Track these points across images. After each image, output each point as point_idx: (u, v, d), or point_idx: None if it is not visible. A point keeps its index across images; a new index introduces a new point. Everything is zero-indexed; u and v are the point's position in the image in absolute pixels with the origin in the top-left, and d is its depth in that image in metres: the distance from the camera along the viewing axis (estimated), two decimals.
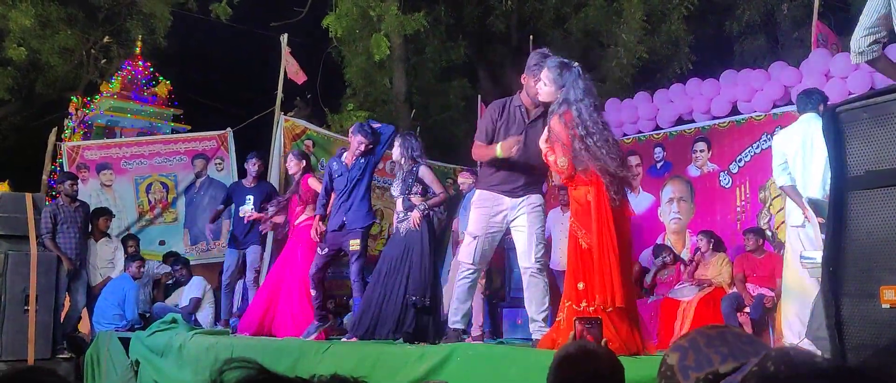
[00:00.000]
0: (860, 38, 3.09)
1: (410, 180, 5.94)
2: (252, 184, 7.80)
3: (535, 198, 5.00)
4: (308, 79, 10.33)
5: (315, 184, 7.05)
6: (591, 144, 4.31)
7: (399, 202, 6.03)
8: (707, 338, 1.34)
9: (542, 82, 4.61)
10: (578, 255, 4.32)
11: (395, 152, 6.07)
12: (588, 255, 4.27)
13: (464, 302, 5.16)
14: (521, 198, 4.96)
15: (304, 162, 7.29)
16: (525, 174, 4.98)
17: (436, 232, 6.30)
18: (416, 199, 5.92)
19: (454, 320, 5.16)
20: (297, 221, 7.14)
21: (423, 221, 5.88)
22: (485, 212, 5.00)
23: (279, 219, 7.59)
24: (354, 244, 6.33)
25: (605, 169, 4.29)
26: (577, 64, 4.63)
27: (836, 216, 2.42)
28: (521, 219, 4.94)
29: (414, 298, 5.68)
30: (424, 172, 5.97)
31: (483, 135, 5.08)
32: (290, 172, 7.39)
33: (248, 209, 7.48)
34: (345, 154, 6.55)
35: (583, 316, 4.03)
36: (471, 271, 5.07)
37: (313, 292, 6.49)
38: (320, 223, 6.46)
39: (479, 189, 5.15)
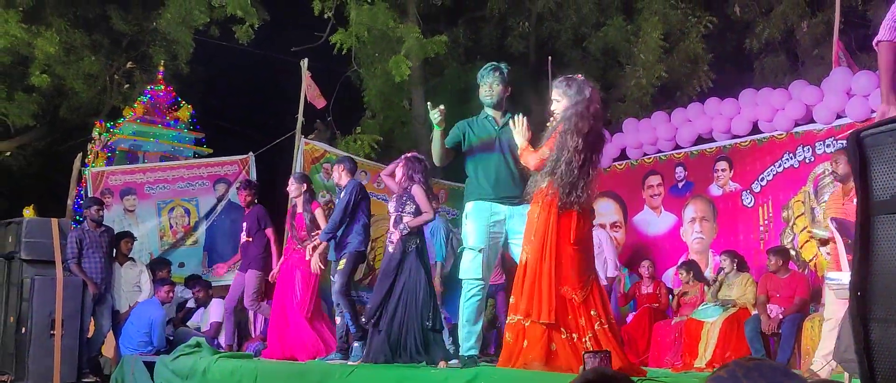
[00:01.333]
0: None
1: (404, 199, 6.00)
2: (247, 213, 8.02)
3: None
4: (327, 102, 10.42)
5: (321, 213, 7.08)
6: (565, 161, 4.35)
7: (391, 221, 6.06)
8: (745, 370, 1.34)
9: (555, 99, 4.62)
10: (517, 269, 4.46)
11: (398, 172, 6.12)
12: (523, 269, 4.39)
13: (474, 323, 4.94)
14: (517, 207, 4.87)
15: (305, 185, 7.21)
16: (515, 181, 4.92)
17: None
18: (406, 219, 5.95)
19: (468, 346, 4.93)
20: (305, 245, 7.07)
21: (402, 242, 5.89)
22: (483, 224, 4.90)
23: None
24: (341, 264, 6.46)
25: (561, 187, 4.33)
26: (581, 76, 4.67)
27: (863, 240, 2.41)
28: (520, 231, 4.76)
29: (428, 323, 5.69)
30: (416, 191, 5.98)
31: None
32: (292, 195, 7.24)
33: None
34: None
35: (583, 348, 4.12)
36: (479, 287, 4.90)
37: (339, 319, 6.50)
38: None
39: (472, 200, 5.03)
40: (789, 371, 1.38)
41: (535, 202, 4.45)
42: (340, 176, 6.78)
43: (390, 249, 6.01)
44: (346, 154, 9.75)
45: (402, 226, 5.92)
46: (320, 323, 7.18)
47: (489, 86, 5.06)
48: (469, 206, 5.02)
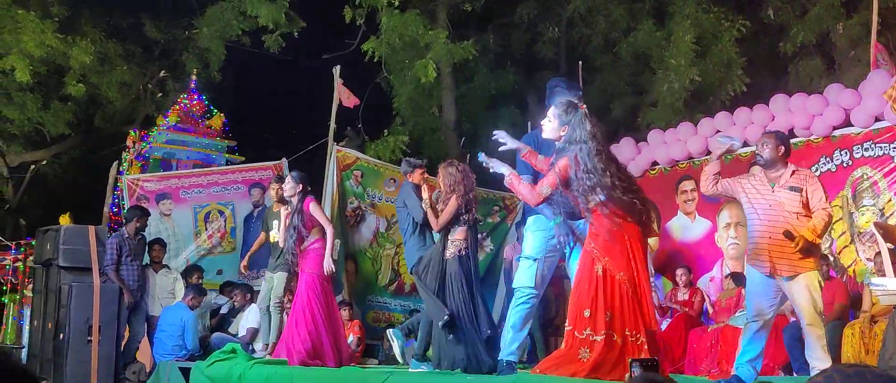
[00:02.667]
0: None
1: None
2: (277, 209, 7.75)
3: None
4: (357, 109, 10.47)
5: (316, 209, 6.91)
6: (598, 181, 4.38)
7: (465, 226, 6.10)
8: (844, 376, 1.29)
9: (548, 118, 4.67)
10: (592, 282, 4.32)
11: (443, 182, 6.12)
12: (604, 283, 4.29)
13: (520, 330, 5.02)
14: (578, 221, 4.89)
15: (301, 185, 7.00)
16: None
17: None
18: (458, 232, 6.04)
19: (509, 351, 5.02)
20: (304, 246, 6.94)
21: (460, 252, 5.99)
22: (543, 235, 4.98)
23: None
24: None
25: (621, 200, 4.39)
26: (583, 105, 4.67)
27: None
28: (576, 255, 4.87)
29: (489, 331, 5.70)
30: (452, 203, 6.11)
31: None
32: (287, 195, 7.07)
33: (276, 234, 7.55)
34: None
35: (634, 357, 4.06)
36: (531, 295, 5.00)
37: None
38: None
39: (535, 213, 5.10)
40: (894, 378, 1.34)
41: (603, 216, 4.43)
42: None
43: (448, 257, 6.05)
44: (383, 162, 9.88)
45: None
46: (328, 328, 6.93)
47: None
48: (531, 218, 5.16)
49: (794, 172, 4.97)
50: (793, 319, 6.95)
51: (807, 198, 4.85)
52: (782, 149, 5.00)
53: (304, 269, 6.85)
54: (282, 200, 7.47)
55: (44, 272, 7.92)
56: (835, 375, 1.32)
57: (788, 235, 4.62)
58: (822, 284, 4.87)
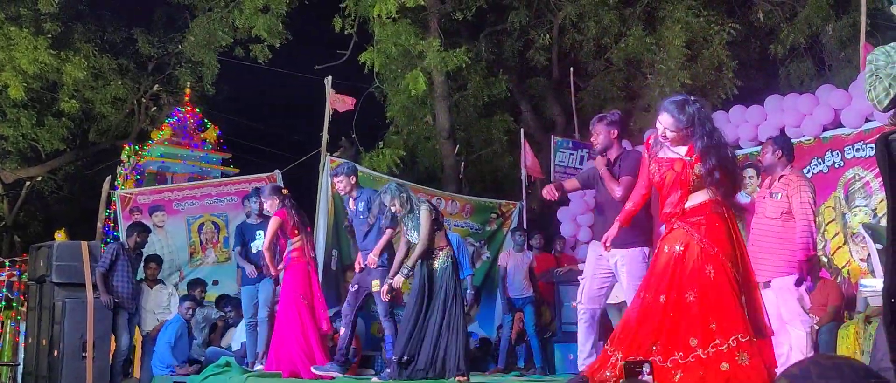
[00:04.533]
0: None
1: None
2: (258, 221, 7.71)
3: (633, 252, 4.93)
4: (351, 119, 10.49)
5: (274, 224, 6.94)
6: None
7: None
8: (821, 369, 1.29)
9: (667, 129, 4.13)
10: (717, 288, 3.88)
11: (395, 207, 6.17)
12: (725, 287, 3.88)
13: (584, 342, 5.12)
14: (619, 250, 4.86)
15: (276, 199, 7.07)
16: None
17: None
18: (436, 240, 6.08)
19: (582, 362, 5.09)
20: (285, 252, 7.06)
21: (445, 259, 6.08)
22: (592, 255, 5.15)
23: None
24: (376, 284, 6.41)
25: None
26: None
27: (894, 246, 2.36)
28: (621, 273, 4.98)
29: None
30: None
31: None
32: (272, 212, 7.09)
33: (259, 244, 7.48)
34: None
35: (637, 359, 3.76)
36: (581, 312, 5.14)
37: (343, 331, 6.52)
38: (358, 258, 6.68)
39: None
40: (872, 371, 1.33)
41: (701, 216, 4.01)
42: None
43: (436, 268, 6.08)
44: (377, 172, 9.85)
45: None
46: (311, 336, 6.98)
47: (595, 135, 5.16)
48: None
49: (781, 176, 5.03)
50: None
51: (790, 203, 4.89)
52: (780, 153, 5.08)
53: (285, 279, 6.97)
54: (261, 215, 7.61)
55: (38, 288, 7.91)
56: (811, 368, 1.32)
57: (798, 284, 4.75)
58: (811, 288, 4.90)
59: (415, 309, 5.98)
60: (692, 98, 4.15)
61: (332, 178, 6.70)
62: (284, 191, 7.34)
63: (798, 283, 4.84)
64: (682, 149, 4.05)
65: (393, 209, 6.09)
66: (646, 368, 3.58)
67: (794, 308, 4.80)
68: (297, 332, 6.75)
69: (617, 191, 4.92)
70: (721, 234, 3.92)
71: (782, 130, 8.28)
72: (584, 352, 5.06)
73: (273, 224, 6.93)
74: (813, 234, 4.93)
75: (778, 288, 4.82)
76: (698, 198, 3.98)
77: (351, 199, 6.79)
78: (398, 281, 6.13)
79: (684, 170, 4.00)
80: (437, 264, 5.98)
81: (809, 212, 4.89)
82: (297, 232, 6.94)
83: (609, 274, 5.06)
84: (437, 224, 6.09)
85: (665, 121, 4.03)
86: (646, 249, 4.90)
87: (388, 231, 6.50)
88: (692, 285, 3.86)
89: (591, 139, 5.25)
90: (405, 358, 5.83)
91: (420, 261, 6.05)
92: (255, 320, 7.50)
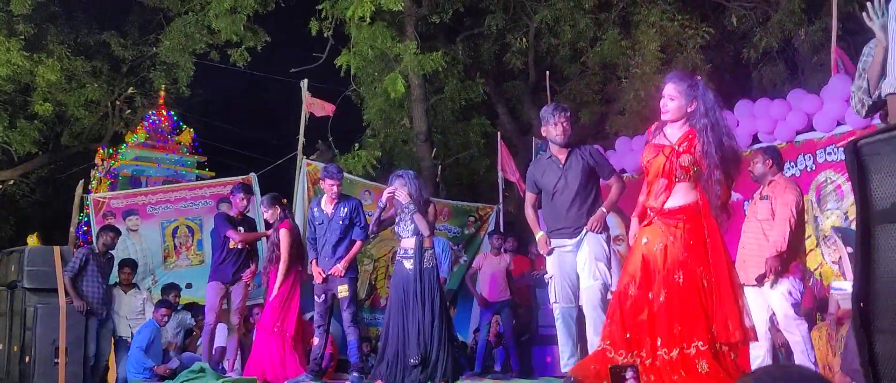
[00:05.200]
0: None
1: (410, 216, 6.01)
2: (239, 217, 7.60)
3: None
4: (327, 122, 10.43)
5: (285, 236, 6.89)
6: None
7: (410, 241, 6.03)
8: (771, 378, 1.32)
9: (669, 98, 4.05)
10: (684, 294, 3.88)
11: (401, 192, 6.05)
12: (693, 295, 3.87)
13: (564, 344, 5.07)
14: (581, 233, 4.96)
15: (278, 208, 7.09)
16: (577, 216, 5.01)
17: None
18: (428, 240, 5.97)
19: (565, 363, 5.06)
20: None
21: (423, 259, 5.98)
22: (556, 255, 5.08)
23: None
24: (343, 290, 6.36)
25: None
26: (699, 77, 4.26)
27: (863, 250, 2.39)
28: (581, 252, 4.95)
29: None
30: (433, 212, 6.11)
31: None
32: (271, 221, 7.12)
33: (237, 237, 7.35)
34: (324, 199, 6.59)
35: (622, 365, 3.74)
36: (556, 312, 5.06)
37: (316, 340, 6.46)
38: (315, 267, 6.50)
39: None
40: (823, 377, 1.36)
41: (681, 219, 3.96)
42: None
43: (408, 265, 6.00)
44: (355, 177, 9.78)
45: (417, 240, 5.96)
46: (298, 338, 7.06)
47: (561, 125, 5.07)
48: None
49: (770, 182, 5.20)
50: None
51: (774, 206, 4.98)
52: (770, 162, 5.28)
53: (270, 287, 6.92)
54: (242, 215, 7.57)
55: (9, 294, 7.79)
56: (763, 376, 1.35)
57: (759, 281, 4.72)
58: (802, 291, 4.96)
59: (399, 309, 5.93)
60: (702, 81, 4.06)
61: (325, 180, 6.54)
62: (284, 202, 7.37)
63: (759, 281, 4.88)
64: (677, 134, 3.96)
65: (401, 198, 6.00)
66: (629, 373, 3.57)
67: (789, 313, 4.86)
68: (278, 341, 6.76)
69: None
70: (698, 240, 3.87)
71: (755, 136, 8.37)
72: (565, 353, 5.01)
73: (285, 238, 6.85)
74: (786, 233, 4.96)
75: (773, 294, 4.89)
76: (681, 198, 3.92)
77: (329, 204, 6.59)
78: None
79: (670, 158, 3.92)
80: (425, 264, 5.95)
81: (789, 213, 4.96)
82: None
83: (574, 268, 5.03)
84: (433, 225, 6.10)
85: (669, 90, 3.95)
86: (607, 233, 5.05)
87: (359, 242, 6.50)
88: (663, 287, 3.86)
89: (555, 130, 5.07)
90: (412, 361, 5.75)
91: (401, 261, 6.04)
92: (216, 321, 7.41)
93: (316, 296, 6.50)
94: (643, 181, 4.17)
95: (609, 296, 4.60)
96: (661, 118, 4.04)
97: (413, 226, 5.94)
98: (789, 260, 4.98)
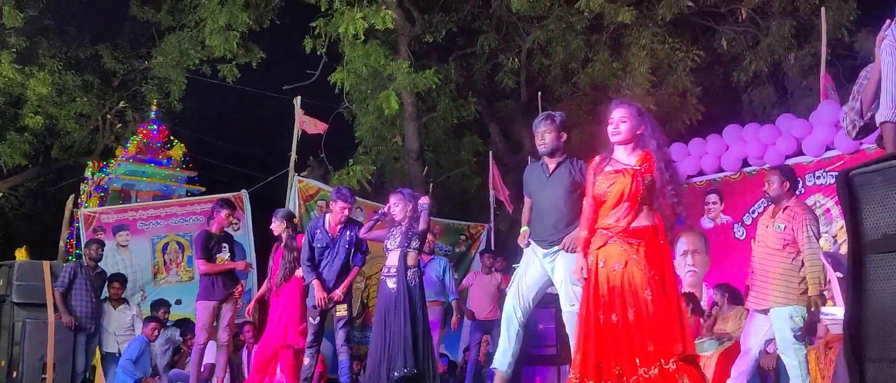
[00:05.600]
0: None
1: (411, 235, 6.01)
2: (220, 233, 7.39)
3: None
4: (319, 139, 10.45)
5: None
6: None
7: (396, 256, 6.03)
8: None
9: (621, 121, 4.24)
10: (667, 305, 3.96)
11: (399, 208, 6.07)
12: (663, 311, 3.96)
13: (501, 340, 5.06)
14: (553, 248, 4.87)
15: (285, 222, 7.02)
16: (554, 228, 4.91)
17: None
18: (412, 258, 5.98)
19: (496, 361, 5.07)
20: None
21: (412, 277, 6.00)
22: (528, 257, 5.01)
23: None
24: (342, 309, 6.36)
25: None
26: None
27: (854, 280, 2.43)
28: (557, 268, 4.86)
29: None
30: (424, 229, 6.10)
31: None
32: (276, 233, 7.05)
33: (224, 257, 7.21)
34: (328, 221, 6.53)
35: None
36: (507, 314, 5.01)
37: (307, 360, 6.43)
38: (320, 290, 6.37)
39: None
40: None
41: (642, 239, 4.05)
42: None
43: (391, 284, 6.01)
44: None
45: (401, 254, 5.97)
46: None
47: (541, 135, 5.00)
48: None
49: (785, 208, 5.05)
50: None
51: (794, 236, 4.92)
52: (787, 184, 5.10)
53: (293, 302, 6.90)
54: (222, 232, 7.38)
55: None
56: None
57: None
58: (805, 318, 4.93)
59: (381, 330, 5.96)
60: (644, 110, 4.26)
61: (336, 202, 6.50)
62: (295, 221, 7.37)
63: (810, 326, 4.86)
64: (634, 158, 4.10)
65: (396, 214, 6.04)
66: None
67: (787, 337, 4.86)
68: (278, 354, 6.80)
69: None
70: (658, 259, 3.98)
71: (744, 160, 8.44)
72: (498, 351, 5.00)
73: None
74: (823, 267, 4.95)
75: (776, 318, 4.88)
76: (643, 219, 4.03)
77: (334, 227, 6.47)
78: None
79: (634, 179, 4.02)
80: (409, 282, 5.98)
81: (816, 245, 4.89)
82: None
83: (544, 277, 4.97)
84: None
85: (619, 114, 4.13)
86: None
87: (356, 268, 6.52)
88: (630, 305, 3.93)
89: (537, 140, 5.03)
90: (397, 374, 5.76)
91: (385, 280, 6.06)
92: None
93: (311, 317, 6.45)
94: (592, 208, 4.22)
95: None
96: (613, 141, 4.18)
97: (400, 239, 5.98)
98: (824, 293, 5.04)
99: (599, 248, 4.09)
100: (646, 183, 4.01)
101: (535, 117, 5.38)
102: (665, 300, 3.92)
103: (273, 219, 7.12)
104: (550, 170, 5.00)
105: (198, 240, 7.15)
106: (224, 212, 7.30)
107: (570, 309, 4.75)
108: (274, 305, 6.98)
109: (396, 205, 6.03)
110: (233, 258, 7.23)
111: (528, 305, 4.98)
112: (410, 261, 5.97)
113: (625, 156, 4.14)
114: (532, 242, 4.97)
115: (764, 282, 5.00)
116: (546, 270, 4.90)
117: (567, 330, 4.86)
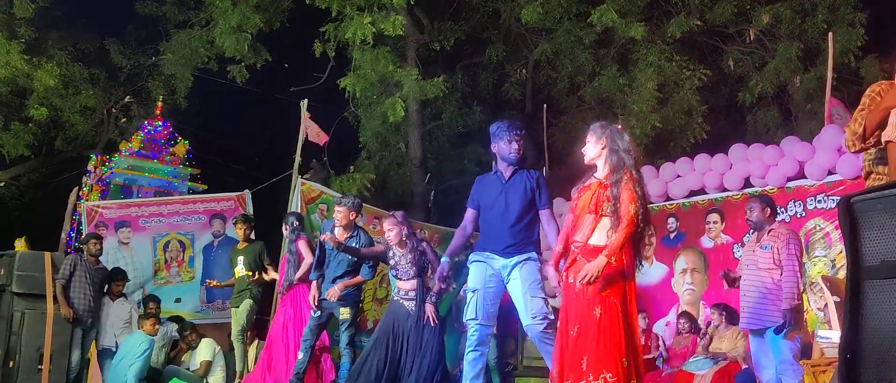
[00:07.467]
0: None
1: (423, 261, 6.10)
2: (242, 247, 8.06)
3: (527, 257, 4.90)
4: (324, 142, 10.47)
5: (304, 247, 7.20)
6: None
7: (411, 283, 6.11)
8: None
9: (584, 144, 4.42)
10: (622, 326, 4.06)
11: (393, 233, 6.12)
12: (609, 328, 4.05)
13: (471, 364, 5.01)
14: (512, 258, 4.89)
15: (285, 224, 7.50)
16: (510, 234, 4.93)
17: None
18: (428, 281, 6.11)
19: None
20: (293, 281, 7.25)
21: (424, 295, 6.14)
22: (480, 268, 4.99)
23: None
24: (345, 313, 6.42)
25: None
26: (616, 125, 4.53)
27: (852, 304, 2.45)
28: (514, 279, 4.87)
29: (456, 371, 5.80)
30: (427, 248, 6.21)
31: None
32: (286, 236, 7.51)
33: (240, 270, 7.78)
34: (338, 228, 6.61)
35: None
36: (472, 330, 4.97)
37: (301, 355, 6.52)
38: (316, 289, 6.55)
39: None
40: None
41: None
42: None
43: (409, 308, 6.11)
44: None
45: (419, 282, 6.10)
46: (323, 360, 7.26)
47: (516, 142, 5.05)
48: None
49: (770, 230, 5.36)
50: (744, 367, 7.09)
51: (778, 255, 5.13)
52: (768, 210, 5.46)
53: (293, 304, 7.11)
54: (248, 239, 7.97)
55: None
56: None
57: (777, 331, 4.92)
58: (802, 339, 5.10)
59: (385, 345, 6.00)
60: (613, 125, 4.39)
61: (338, 206, 6.63)
62: (296, 223, 7.59)
63: (778, 331, 5.01)
64: (604, 172, 4.24)
65: (391, 239, 6.11)
66: None
67: (786, 357, 4.96)
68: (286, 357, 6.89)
69: None
70: (616, 277, 4.06)
71: (747, 180, 8.47)
72: (469, 375, 5.00)
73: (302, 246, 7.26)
74: (798, 284, 5.19)
75: (773, 341, 4.99)
76: (602, 236, 4.11)
77: (343, 234, 6.57)
78: None
79: (598, 191, 4.17)
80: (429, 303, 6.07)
81: (796, 262, 5.17)
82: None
83: (500, 287, 4.98)
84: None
85: (586, 139, 4.35)
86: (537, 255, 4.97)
87: (361, 278, 6.62)
88: (578, 320, 4.06)
89: (508, 146, 5.03)
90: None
91: (401, 302, 6.15)
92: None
93: (312, 311, 6.59)
94: (570, 223, 4.34)
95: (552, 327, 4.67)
96: (585, 162, 4.36)
97: (415, 269, 6.04)
98: (801, 308, 5.14)
99: (570, 266, 4.23)
100: (610, 195, 4.11)
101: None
102: (615, 319, 4.01)
103: (286, 224, 7.55)
104: (507, 177, 5.06)
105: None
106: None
107: (530, 321, 4.77)
108: (279, 310, 7.16)
109: (390, 231, 6.14)
110: (247, 268, 7.80)
111: (495, 315, 5.02)
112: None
113: (598, 173, 4.30)
114: (485, 253, 4.97)
115: (758, 302, 5.09)
116: (502, 278, 4.91)
117: (533, 342, 4.93)
